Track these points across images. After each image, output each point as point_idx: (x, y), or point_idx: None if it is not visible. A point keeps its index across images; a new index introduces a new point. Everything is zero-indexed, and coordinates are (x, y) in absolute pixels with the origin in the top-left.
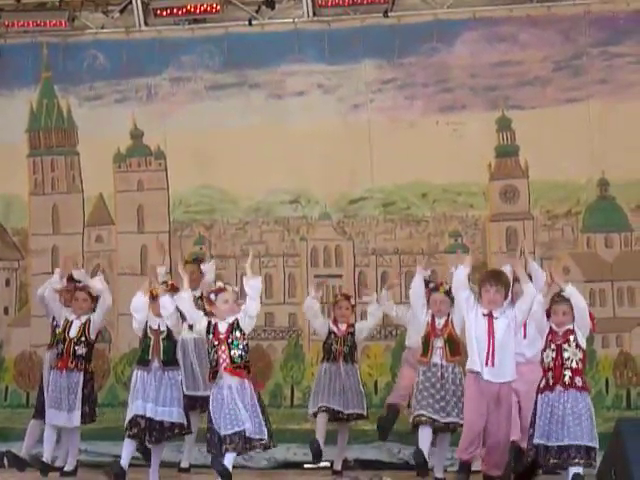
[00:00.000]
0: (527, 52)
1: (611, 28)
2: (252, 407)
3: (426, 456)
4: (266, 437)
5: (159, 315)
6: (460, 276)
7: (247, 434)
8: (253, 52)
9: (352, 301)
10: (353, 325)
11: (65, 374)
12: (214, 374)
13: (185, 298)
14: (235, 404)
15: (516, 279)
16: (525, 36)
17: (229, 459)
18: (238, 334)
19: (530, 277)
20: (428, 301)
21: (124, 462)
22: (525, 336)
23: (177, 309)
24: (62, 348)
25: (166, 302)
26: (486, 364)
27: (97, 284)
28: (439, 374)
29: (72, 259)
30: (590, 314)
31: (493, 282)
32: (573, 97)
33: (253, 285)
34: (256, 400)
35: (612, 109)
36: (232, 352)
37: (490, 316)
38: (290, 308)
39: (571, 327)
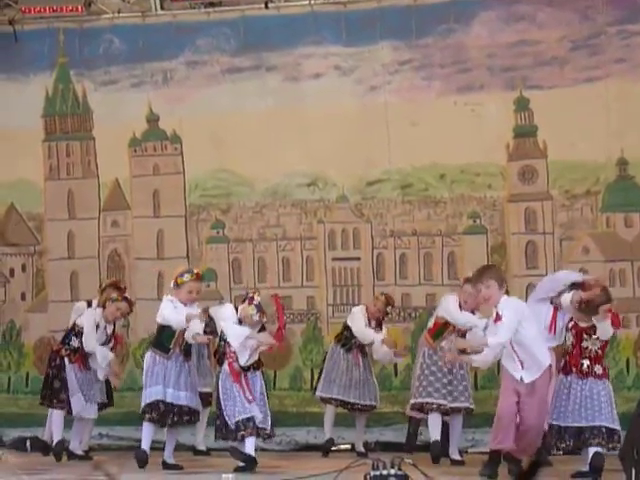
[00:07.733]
0: (544, 31)
1: (629, 6)
2: (260, 396)
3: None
4: (269, 427)
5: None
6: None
7: (256, 422)
8: (269, 35)
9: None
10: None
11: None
12: (221, 358)
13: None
14: (244, 390)
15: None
16: (542, 15)
17: (250, 444)
18: None
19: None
20: None
21: (145, 446)
22: (555, 331)
23: None
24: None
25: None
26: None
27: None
28: None
29: None
30: (615, 314)
31: None
32: (591, 76)
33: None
34: (264, 389)
35: (630, 88)
36: None
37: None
38: (308, 291)
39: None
